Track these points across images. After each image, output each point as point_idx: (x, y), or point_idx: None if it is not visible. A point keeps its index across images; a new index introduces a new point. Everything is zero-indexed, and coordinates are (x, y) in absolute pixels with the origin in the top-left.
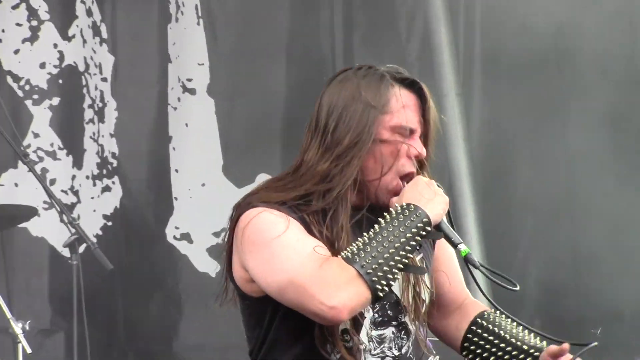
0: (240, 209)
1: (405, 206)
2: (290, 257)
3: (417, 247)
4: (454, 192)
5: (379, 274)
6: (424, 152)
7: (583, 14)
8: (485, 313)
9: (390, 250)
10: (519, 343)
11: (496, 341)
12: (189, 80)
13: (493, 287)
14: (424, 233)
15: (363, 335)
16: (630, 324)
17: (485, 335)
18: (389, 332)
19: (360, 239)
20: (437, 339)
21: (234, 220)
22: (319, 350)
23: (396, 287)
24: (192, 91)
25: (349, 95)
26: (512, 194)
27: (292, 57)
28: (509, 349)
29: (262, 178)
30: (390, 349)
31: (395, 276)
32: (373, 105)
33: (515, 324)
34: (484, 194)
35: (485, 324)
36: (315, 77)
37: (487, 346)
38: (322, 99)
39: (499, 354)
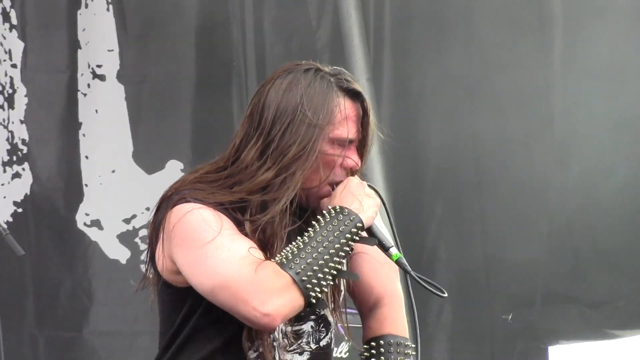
0: (170, 201)
1: (339, 209)
2: (224, 259)
3: (350, 252)
4: (366, 178)
5: (313, 281)
6: (358, 164)
7: None
8: (395, 341)
9: (325, 257)
10: None
11: None
12: (99, 66)
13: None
14: (357, 238)
15: (277, 332)
16: (540, 309)
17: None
18: (307, 326)
19: (294, 242)
20: (352, 325)
21: (163, 212)
22: (241, 347)
23: None
24: (102, 77)
25: (295, 103)
26: (422, 179)
27: (201, 42)
28: None
29: (173, 165)
30: (308, 343)
31: (329, 282)
32: (318, 118)
33: None
34: (394, 180)
35: (385, 351)
36: (225, 62)
37: None
38: (267, 95)
39: None
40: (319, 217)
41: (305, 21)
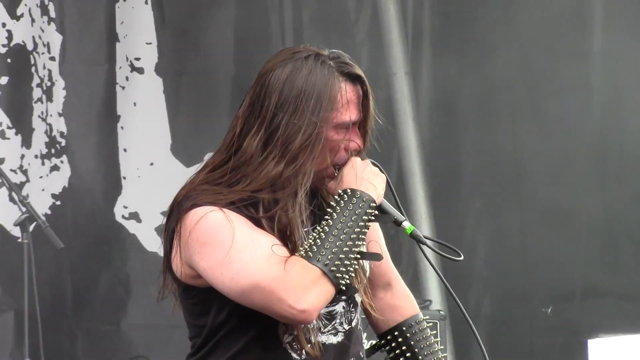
0: (181, 207)
1: (350, 193)
2: (249, 260)
3: (367, 232)
4: (403, 171)
5: (341, 269)
6: (362, 145)
7: None
8: (413, 322)
9: (348, 243)
10: None
11: (411, 358)
12: (137, 59)
13: (442, 264)
14: (372, 218)
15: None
16: (580, 303)
17: (403, 347)
18: (339, 307)
19: (315, 232)
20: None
21: (176, 218)
22: (276, 332)
23: None
24: (140, 70)
25: (298, 91)
26: (460, 173)
27: (240, 36)
28: None
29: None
30: (341, 324)
31: (355, 266)
32: (322, 106)
33: (434, 340)
34: (433, 173)
35: (409, 335)
36: (264, 55)
37: (400, 358)
38: (268, 84)
39: None
40: (332, 203)
41: (344, 15)
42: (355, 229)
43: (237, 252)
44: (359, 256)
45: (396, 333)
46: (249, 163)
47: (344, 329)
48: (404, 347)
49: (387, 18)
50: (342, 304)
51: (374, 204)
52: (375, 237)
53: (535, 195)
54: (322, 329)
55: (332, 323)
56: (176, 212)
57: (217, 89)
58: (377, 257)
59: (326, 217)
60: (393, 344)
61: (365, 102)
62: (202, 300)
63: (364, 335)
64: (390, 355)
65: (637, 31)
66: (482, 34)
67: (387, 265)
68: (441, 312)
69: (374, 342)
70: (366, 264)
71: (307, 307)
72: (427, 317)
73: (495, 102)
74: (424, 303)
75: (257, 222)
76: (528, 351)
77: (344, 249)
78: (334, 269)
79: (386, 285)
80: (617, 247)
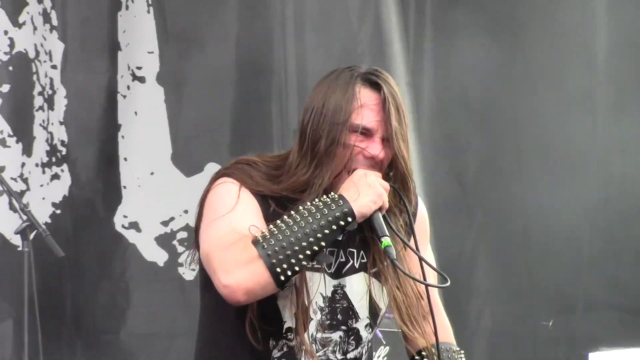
0: (218, 173)
1: (331, 196)
2: (217, 228)
3: (334, 237)
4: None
5: (280, 257)
6: (379, 153)
7: None
8: (445, 347)
9: (299, 235)
10: None
11: None
12: (139, 68)
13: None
14: (342, 223)
15: (306, 336)
16: (582, 316)
17: None
18: (336, 336)
19: (279, 221)
20: (388, 329)
21: (210, 182)
22: (268, 346)
23: (351, 292)
24: (141, 79)
25: (320, 99)
26: (461, 184)
27: (242, 46)
28: None
29: (211, 167)
30: (334, 352)
31: (302, 262)
32: (341, 111)
33: None
34: (434, 185)
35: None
36: (266, 66)
37: None
38: (308, 99)
39: None
40: (315, 199)
41: (346, 26)
42: (314, 225)
43: (221, 221)
44: (309, 253)
45: (423, 353)
46: (290, 166)
47: (335, 357)
48: None
49: (389, 29)
50: (340, 333)
51: (347, 210)
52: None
53: (538, 207)
54: (313, 353)
55: (324, 349)
56: (211, 180)
57: (219, 99)
58: (328, 259)
59: (300, 207)
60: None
61: (386, 112)
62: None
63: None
64: None
65: None
66: (484, 46)
67: (429, 293)
68: None
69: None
70: (382, 302)
71: (230, 283)
72: None
73: (498, 112)
74: None
75: (271, 217)
76: None
77: (292, 239)
78: (271, 253)
79: (417, 315)
80: (619, 260)
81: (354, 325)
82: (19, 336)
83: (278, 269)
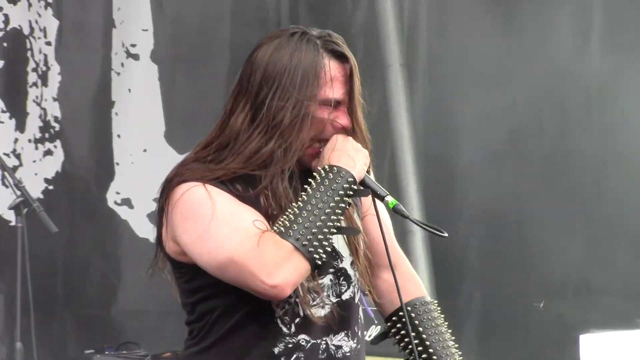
0: (170, 183)
1: (328, 169)
2: (226, 234)
3: (347, 208)
4: (396, 162)
5: (314, 243)
6: (349, 124)
7: None
8: (418, 302)
9: (322, 217)
10: (431, 350)
11: (415, 338)
12: (133, 45)
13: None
14: (351, 192)
15: (299, 288)
16: (573, 298)
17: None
18: (327, 280)
19: (290, 209)
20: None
21: (165, 194)
22: (270, 307)
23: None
24: (135, 57)
25: (282, 67)
26: (454, 165)
27: (237, 24)
28: (420, 348)
29: None
30: (328, 296)
31: (330, 241)
32: (308, 82)
33: (442, 322)
34: (426, 165)
35: (413, 315)
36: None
37: (406, 339)
38: (254, 62)
39: (411, 348)
40: (310, 180)
41: (341, 6)
42: (331, 204)
43: (216, 227)
44: (334, 230)
45: (401, 314)
46: (236, 140)
47: (330, 301)
48: (403, 332)
49: (384, 10)
50: (330, 276)
51: (352, 179)
52: (372, 211)
53: (531, 189)
54: (311, 303)
55: (321, 296)
56: (165, 189)
57: (213, 77)
58: (354, 231)
59: (302, 193)
60: (398, 325)
61: (351, 83)
62: (192, 277)
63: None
64: (397, 338)
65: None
66: (478, 26)
67: (390, 244)
68: None
69: (380, 330)
70: (361, 241)
71: (279, 283)
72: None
73: (493, 93)
74: None
75: (242, 199)
76: (520, 345)
77: (317, 224)
78: (306, 243)
79: (389, 265)
80: (611, 243)
81: (341, 266)
82: (11, 311)
83: (315, 255)
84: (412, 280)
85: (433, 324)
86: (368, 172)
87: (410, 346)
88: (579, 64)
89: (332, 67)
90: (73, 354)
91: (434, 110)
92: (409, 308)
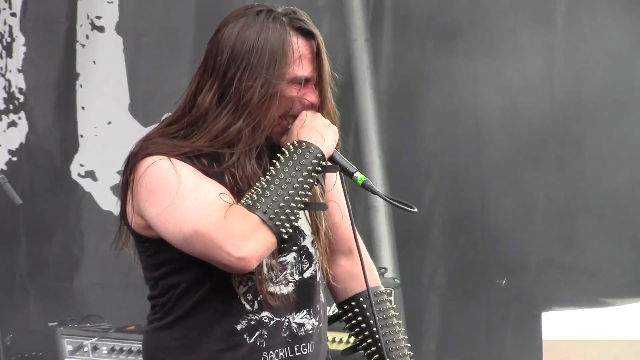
0: (136, 156)
1: (297, 144)
2: (192, 207)
3: (315, 183)
4: (360, 138)
5: (281, 217)
6: (317, 101)
7: None
8: (372, 293)
9: (290, 192)
10: (379, 344)
11: (364, 330)
12: (98, 17)
13: (397, 233)
14: (319, 168)
15: (263, 265)
16: (535, 275)
17: (359, 317)
18: (290, 257)
19: (258, 183)
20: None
21: (130, 168)
22: (231, 284)
23: None
24: (100, 29)
25: (250, 46)
26: (419, 141)
27: None
28: (369, 341)
29: None
30: (292, 274)
31: (298, 216)
32: (275, 61)
33: (393, 314)
34: (390, 141)
35: (365, 306)
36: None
37: (356, 329)
38: (220, 40)
39: (360, 338)
40: (278, 154)
41: None
42: (299, 179)
43: (182, 199)
44: (302, 206)
45: (353, 303)
46: (204, 118)
47: (294, 279)
48: (359, 318)
49: None
50: (293, 254)
51: (320, 154)
52: (335, 198)
53: (494, 165)
54: (273, 280)
55: (284, 273)
56: (130, 163)
57: (178, 50)
58: (322, 206)
59: (270, 167)
60: (350, 314)
61: (319, 59)
62: (156, 251)
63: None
64: (347, 326)
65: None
66: (443, 2)
67: (349, 231)
68: (396, 280)
69: (334, 311)
70: (322, 218)
71: (246, 255)
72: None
73: (456, 68)
74: (378, 271)
75: (208, 175)
76: (482, 321)
77: (285, 198)
78: (273, 216)
79: (347, 251)
80: (574, 220)
81: (303, 244)
82: None
83: (282, 229)
84: (368, 268)
85: (384, 316)
86: (337, 148)
87: (360, 336)
88: (544, 43)
89: (299, 45)
90: (36, 326)
91: (398, 85)
92: (361, 298)
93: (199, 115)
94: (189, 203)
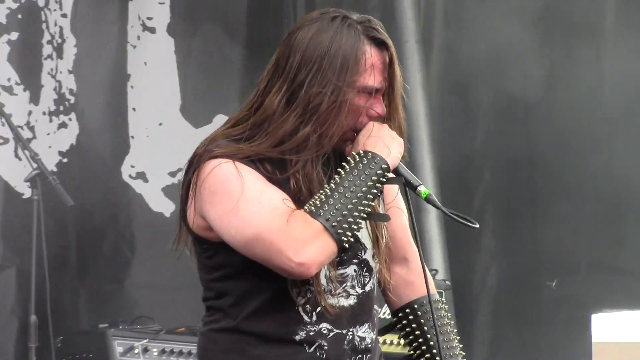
0: (201, 159)
1: (362, 154)
2: (256, 211)
3: (379, 194)
4: (412, 140)
5: (344, 225)
6: (383, 113)
7: None
8: (425, 300)
9: (353, 201)
10: (434, 351)
11: (419, 337)
12: (149, 18)
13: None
14: (384, 179)
15: (322, 277)
16: (585, 277)
17: (413, 325)
18: (350, 270)
19: (322, 191)
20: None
21: (194, 169)
22: (289, 294)
23: None
24: (152, 30)
25: (322, 51)
26: (470, 143)
27: (254, 0)
28: (424, 347)
29: (220, 119)
30: (353, 287)
31: (360, 226)
32: (347, 68)
33: (448, 322)
34: (441, 143)
35: (419, 314)
36: (276, 20)
37: (410, 336)
38: (293, 43)
39: (415, 346)
40: (344, 163)
41: None
42: (363, 188)
43: (245, 202)
44: (364, 215)
45: (407, 310)
46: (270, 120)
47: (356, 292)
48: (413, 325)
49: None
50: (354, 267)
51: (385, 166)
52: (397, 204)
53: (545, 168)
54: (332, 292)
55: (343, 286)
56: (195, 163)
57: (229, 52)
58: (384, 217)
59: (335, 176)
60: (404, 322)
61: (391, 70)
62: (214, 254)
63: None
64: (402, 334)
65: None
66: (494, 4)
67: (405, 239)
68: (446, 282)
69: (388, 322)
70: (383, 230)
71: (305, 261)
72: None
73: (507, 70)
74: (430, 272)
75: (271, 181)
76: (532, 323)
77: (349, 206)
78: (336, 224)
79: (402, 259)
80: (623, 222)
81: (364, 257)
82: (22, 284)
83: (343, 237)
84: (421, 276)
85: (439, 323)
86: (402, 160)
87: (414, 343)
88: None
89: (373, 55)
90: (87, 328)
91: (450, 87)
92: (415, 306)
93: (266, 117)
94: (252, 206)
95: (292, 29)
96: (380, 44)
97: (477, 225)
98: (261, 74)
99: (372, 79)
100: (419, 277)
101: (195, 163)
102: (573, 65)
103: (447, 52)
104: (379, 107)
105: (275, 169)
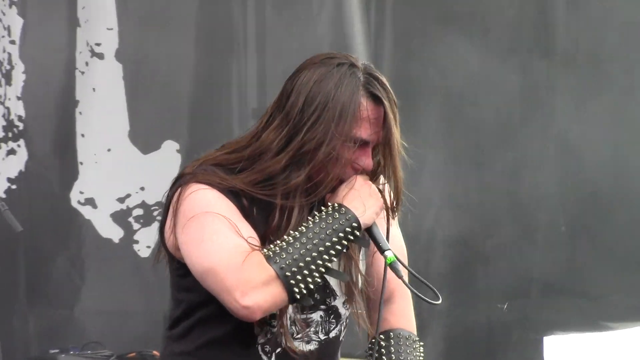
0: (184, 179)
1: (337, 207)
2: (217, 245)
3: (343, 251)
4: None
5: (297, 277)
6: (369, 167)
7: None
8: (406, 334)
9: (313, 254)
10: None
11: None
12: (98, 44)
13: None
14: (351, 237)
15: (285, 319)
16: (537, 300)
17: (382, 350)
18: (316, 316)
19: (286, 236)
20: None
21: (175, 188)
22: (252, 332)
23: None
24: (100, 56)
25: (324, 99)
26: (422, 167)
27: (202, 25)
28: None
29: (169, 145)
30: (316, 332)
31: (316, 279)
32: (344, 121)
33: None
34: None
35: (392, 342)
36: (225, 45)
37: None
38: (297, 83)
39: None
40: (315, 212)
41: (307, 5)
42: (327, 243)
43: (211, 234)
44: (323, 270)
45: (382, 336)
46: (264, 156)
47: (318, 338)
48: (383, 351)
49: (350, 9)
50: (320, 313)
51: (356, 225)
52: (393, 241)
53: (495, 189)
54: (294, 335)
55: (306, 331)
56: (179, 181)
57: (178, 76)
58: (342, 276)
59: (303, 224)
60: (375, 346)
61: (385, 125)
62: (185, 273)
63: None
64: (369, 353)
65: None
66: (445, 26)
67: (391, 281)
68: None
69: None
70: (359, 279)
71: (251, 305)
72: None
73: (454, 92)
74: None
75: (247, 217)
76: (484, 346)
77: (307, 259)
78: (289, 274)
79: (385, 300)
80: (575, 245)
81: (333, 304)
82: None
83: (295, 289)
84: (404, 317)
85: (409, 352)
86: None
87: None
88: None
89: (367, 109)
90: (37, 354)
91: (401, 110)
92: (391, 334)
93: (261, 152)
94: (217, 239)
95: (298, 68)
96: (376, 98)
97: (439, 302)
98: (209, 100)
99: (362, 131)
100: (400, 317)
101: (180, 181)
102: (525, 99)
103: (399, 75)
104: (366, 161)
105: (253, 205)
